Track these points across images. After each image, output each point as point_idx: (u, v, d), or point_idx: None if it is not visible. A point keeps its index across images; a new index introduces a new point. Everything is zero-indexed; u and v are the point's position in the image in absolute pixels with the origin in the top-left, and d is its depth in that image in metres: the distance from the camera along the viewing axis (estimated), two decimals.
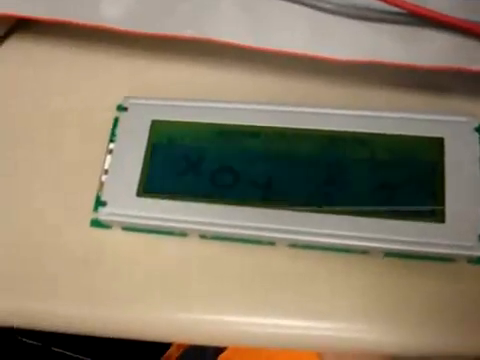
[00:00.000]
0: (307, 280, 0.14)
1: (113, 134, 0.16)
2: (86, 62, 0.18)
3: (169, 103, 0.16)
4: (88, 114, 0.17)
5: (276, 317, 0.14)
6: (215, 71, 0.16)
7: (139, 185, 0.15)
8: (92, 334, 0.15)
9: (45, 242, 0.16)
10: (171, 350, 0.24)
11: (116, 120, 0.16)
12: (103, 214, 0.15)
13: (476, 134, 0.14)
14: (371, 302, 0.14)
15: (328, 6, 0.15)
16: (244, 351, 0.22)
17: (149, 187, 0.15)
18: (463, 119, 0.15)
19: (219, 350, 0.22)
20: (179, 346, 0.24)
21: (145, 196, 0.15)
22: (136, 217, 0.15)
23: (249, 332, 0.15)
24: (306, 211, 0.14)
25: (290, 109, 0.15)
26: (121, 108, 0.16)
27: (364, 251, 0.14)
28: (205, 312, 0.15)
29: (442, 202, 0.14)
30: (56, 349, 0.36)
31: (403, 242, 0.14)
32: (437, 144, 0.14)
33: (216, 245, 0.15)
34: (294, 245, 0.15)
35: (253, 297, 0.15)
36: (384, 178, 0.14)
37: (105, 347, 0.37)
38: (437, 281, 0.14)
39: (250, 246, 0.15)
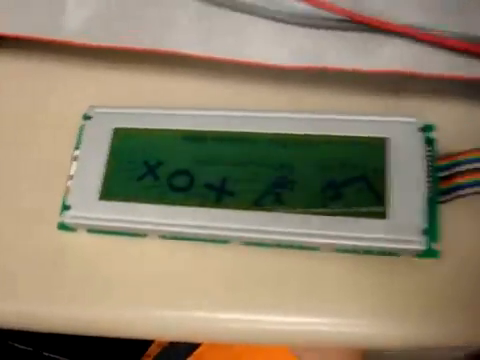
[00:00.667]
0: (259, 276, 0.16)
1: (79, 142, 0.17)
2: (58, 74, 0.19)
3: (130, 111, 0.17)
4: (60, 123, 0.18)
5: (231, 312, 0.15)
6: (173, 80, 0.17)
7: (101, 189, 0.16)
8: (58, 332, 0.16)
9: (16, 244, 0.17)
10: (151, 348, 0.25)
11: (82, 128, 0.17)
12: (68, 217, 0.16)
13: (420, 134, 0.15)
14: (322, 295, 0.15)
15: (278, 16, 0.17)
16: (217, 348, 0.23)
17: (111, 191, 0.16)
18: (408, 120, 0.16)
19: (193, 347, 0.23)
20: (159, 344, 0.25)
21: (107, 199, 0.16)
22: (99, 220, 0.16)
23: (208, 327, 0.16)
24: (258, 210, 0.15)
25: (242, 114, 0.16)
26: (86, 117, 0.17)
27: (314, 248, 0.15)
28: (168, 309, 0.16)
29: (386, 199, 0.15)
30: (47, 354, 0.37)
31: (350, 238, 0.15)
32: (382, 144, 0.15)
33: (175, 244, 0.16)
34: (248, 243, 0.16)
35: (209, 292, 0.16)
36: (331, 178, 0.15)
37: (96, 352, 0.38)
38: (385, 275, 0.15)
39: (206, 245, 0.16)
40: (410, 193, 0.15)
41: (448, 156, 0.16)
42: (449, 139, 0.16)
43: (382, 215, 0.15)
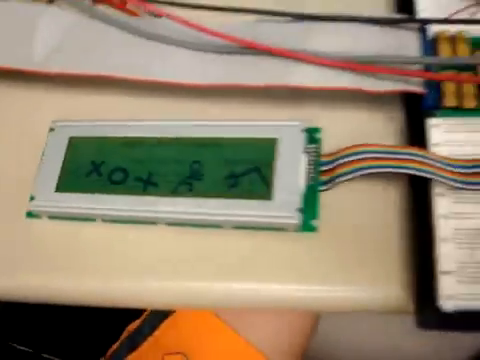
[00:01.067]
0: (180, 248, 0.20)
1: (45, 149, 0.22)
2: (33, 95, 0.25)
3: (82, 124, 0.22)
4: (34, 136, 0.24)
5: (160, 280, 0.20)
6: (114, 98, 0.23)
7: (57, 183, 0.21)
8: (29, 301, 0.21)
9: None
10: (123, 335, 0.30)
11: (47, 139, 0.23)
12: (32, 206, 0.21)
13: (302, 134, 0.20)
14: (225, 263, 0.20)
15: (197, 47, 0.22)
16: (173, 331, 0.27)
17: (64, 185, 0.21)
18: (294, 123, 0.20)
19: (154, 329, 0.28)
20: (128, 331, 0.30)
21: (61, 191, 0.21)
22: (55, 207, 0.21)
23: (144, 294, 0.21)
24: (175, 197, 0.20)
25: (165, 123, 0.21)
26: (51, 129, 0.23)
27: (218, 225, 0.20)
28: (110, 278, 0.21)
29: (272, 186, 0.19)
30: (46, 355, 0.42)
31: (244, 216, 0.19)
32: (273, 142, 0.20)
33: (114, 226, 0.21)
34: (170, 223, 0.20)
35: (142, 263, 0.20)
36: (232, 170, 0.20)
37: (96, 355, 0.43)
38: (273, 245, 0.20)
39: (138, 225, 0.21)
40: (292, 181, 0.19)
41: (331, 153, 0.21)
42: (337, 140, 0.21)
43: (268, 197, 0.19)
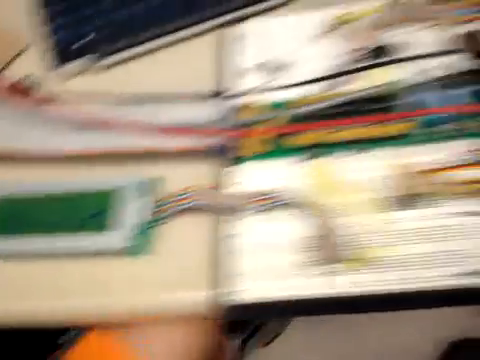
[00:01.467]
0: (55, 275, 0.28)
1: None
2: None
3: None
4: None
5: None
6: (17, 168, 0.32)
7: None
8: None
9: None
10: None
11: None
12: None
13: (142, 183, 0.29)
14: (82, 284, 0.28)
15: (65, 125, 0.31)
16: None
17: None
18: (136, 176, 0.29)
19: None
20: None
21: None
22: None
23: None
24: (48, 235, 0.28)
25: (44, 183, 0.30)
26: None
27: (78, 254, 0.28)
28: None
29: (112, 222, 0.28)
30: None
31: (96, 246, 0.28)
32: (119, 192, 0.29)
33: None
34: (43, 256, 0.29)
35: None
36: (88, 213, 0.28)
37: None
38: (119, 267, 0.28)
39: (22, 260, 0.29)
40: (129, 218, 0.28)
41: (166, 197, 0.29)
42: (175, 186, 0.29)
43: (113, 230, 0.28)
